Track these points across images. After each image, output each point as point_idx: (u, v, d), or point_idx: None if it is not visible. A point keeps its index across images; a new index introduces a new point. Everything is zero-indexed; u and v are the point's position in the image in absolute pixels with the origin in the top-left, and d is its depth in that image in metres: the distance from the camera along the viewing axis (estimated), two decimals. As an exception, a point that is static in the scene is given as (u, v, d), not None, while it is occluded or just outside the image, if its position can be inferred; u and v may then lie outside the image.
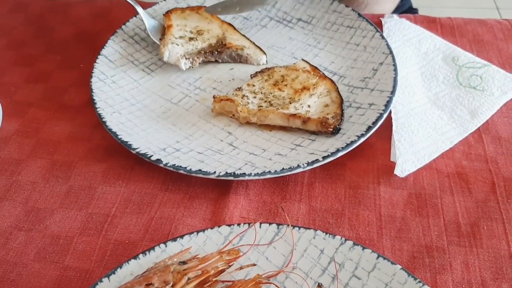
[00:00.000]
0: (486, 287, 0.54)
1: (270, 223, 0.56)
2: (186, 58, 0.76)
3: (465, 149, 0.68)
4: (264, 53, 0.79)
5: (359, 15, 0.82)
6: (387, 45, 0.76)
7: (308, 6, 0.87)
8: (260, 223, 0.56)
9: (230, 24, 0.82)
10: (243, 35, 0.81)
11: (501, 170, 0.65)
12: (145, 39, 0.83)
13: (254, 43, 0.80)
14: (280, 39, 0.84)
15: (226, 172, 0.62)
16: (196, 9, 0.84)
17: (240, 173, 0.62)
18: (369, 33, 0.79)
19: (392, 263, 0.52)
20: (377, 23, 0.84)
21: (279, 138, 0.68)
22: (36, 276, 0.56)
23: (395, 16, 0.86)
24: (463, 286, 0.54)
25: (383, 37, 0.78)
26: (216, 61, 0.79)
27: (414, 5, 1.17)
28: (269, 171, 0.62)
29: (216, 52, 0.78)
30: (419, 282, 0.50)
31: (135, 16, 0.84)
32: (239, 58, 0.79)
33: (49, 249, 0.59)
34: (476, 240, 0.58)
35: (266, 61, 0.79)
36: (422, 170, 0.65)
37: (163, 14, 0.83)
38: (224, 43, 0.79)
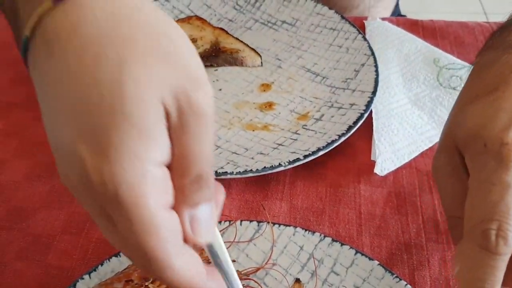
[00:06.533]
0: (463, 283, 0.55)
1: (250, 221, 0.57)
2: None
3: (445, 149, 0.69)
4: (259, 55, 0.80)
5: (342, 17, 0.83)
6: (369, 46, 0.77)
7: (293, 8, 0.88)
8: (241, 221, 0.57)
9: (222, 29, 0.83)
10: (237, 38, 0.82)
11: (479, 168, 0.66)
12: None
13: (248, 46, 0.81)
14: (264, 41, 0.84)
15: (208, 171, 0.62)
16: (187, 19, 0.84)
17: (222, 172, 0.62)
18: (352, 35, 0.80)
19: (370, 259, 0.52)
20: (360, 25, 0.85)
21: (262, 137, 0.69)
22: (18, 275, 0.56)
23: (378, 19, 0.87)
24: (441, 282, 0.55)
25: (365, 39, 0.79)
26: (212, 66, 0.79)
27: (402, 12, 1.18)
28: (251, 170, 0.62)
29: (212, 57, 0.79)
30: (396, 277, 0.51)
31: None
32: (234, 61, 0.80)
33: (30, 248, 0.59)
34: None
35: (261, 62, 0.80)
36: (401, 169, 0.66)
37: None
38: (218, 47, 0.79)
